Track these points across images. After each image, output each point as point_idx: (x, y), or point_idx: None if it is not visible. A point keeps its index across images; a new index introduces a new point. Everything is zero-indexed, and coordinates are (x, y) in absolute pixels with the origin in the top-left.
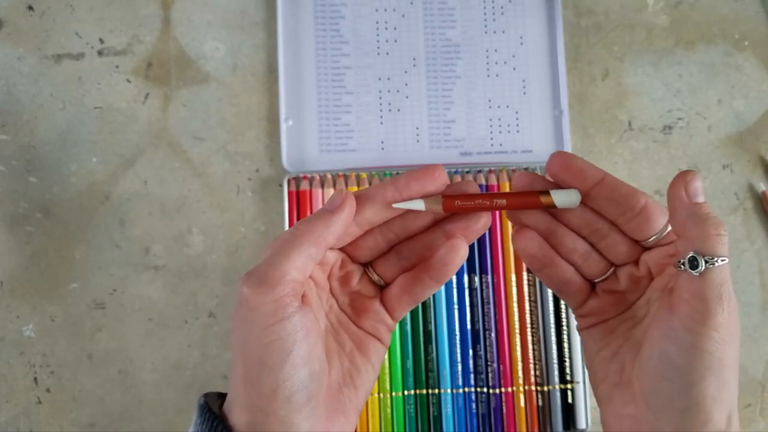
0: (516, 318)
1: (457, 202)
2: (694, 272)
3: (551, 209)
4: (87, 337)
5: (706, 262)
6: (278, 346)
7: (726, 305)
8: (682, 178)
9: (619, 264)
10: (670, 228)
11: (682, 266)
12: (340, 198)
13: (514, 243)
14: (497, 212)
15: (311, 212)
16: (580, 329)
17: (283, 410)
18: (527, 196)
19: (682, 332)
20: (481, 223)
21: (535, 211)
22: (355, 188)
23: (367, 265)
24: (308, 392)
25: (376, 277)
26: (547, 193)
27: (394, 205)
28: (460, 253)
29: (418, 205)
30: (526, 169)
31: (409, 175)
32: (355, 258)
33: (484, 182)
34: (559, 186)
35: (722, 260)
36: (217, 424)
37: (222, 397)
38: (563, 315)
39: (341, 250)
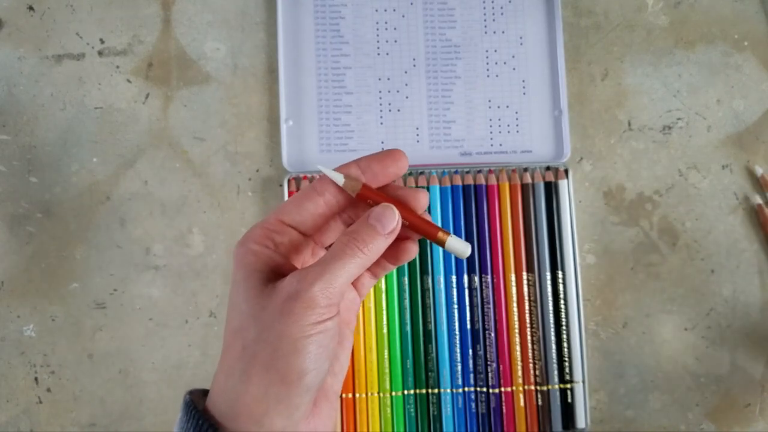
0: (516, 318)
1: (370, 200)
2: None
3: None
4: (87, 336)
5: None
6: (318, 339)
7: None
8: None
9: None
10: None
11: None
12: (395, 221)
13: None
14: (498, 214)
15: None
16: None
17: (298, 397)
18: (431, 227)
19: None
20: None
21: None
22: None
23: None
24: (321, 382)
25: None
26: (446, 233)
27: (319, 167)
28: (410, 255)
29: (338, 178)
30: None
31: (371, 156)
32: (322, 244)
33: (484, 182)
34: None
35: None
36: (203, 422)
37: (207, 394)
38: (563, 315)
39: (310, 237)
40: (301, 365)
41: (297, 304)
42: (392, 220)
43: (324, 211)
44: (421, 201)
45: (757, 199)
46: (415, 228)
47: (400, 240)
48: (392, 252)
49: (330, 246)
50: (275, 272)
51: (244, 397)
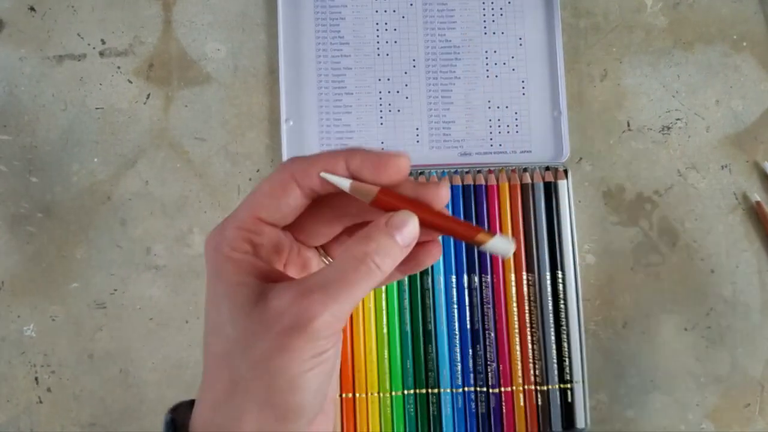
0: (515, 317)
1: (391, 200)
2: None
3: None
4: (88, 336)
5: None
6: (320, 370)
7: None
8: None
9: None
10: None
11: None
12: (416, 233)
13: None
14: (497, 214)
15: None
16: None
17: (295, 428)
18: (465, 227)
19: None
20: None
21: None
22: None
23: (319, 248)
24: (319, 410)
25: (329, 261)
26: (487, 233)
27: (322, 174)
28: (435, 257)
29: (344, 185)
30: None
31: (365, 157)
32: (309, 243)
33: (483, 182)
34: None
35: None
36: None
37: (192, 405)
38: (563, 315)
39: (296, 238)
40: (300, 402)
41: (296, 339)
42: (414, 232)
43: (306, 203)
44: (442, 198)
45: (756, 197)
46: (451, 232)
47: (420, 244)
48: (411, 258)
49: (320, 246)
50: (260, 281)
51: (239, 424)
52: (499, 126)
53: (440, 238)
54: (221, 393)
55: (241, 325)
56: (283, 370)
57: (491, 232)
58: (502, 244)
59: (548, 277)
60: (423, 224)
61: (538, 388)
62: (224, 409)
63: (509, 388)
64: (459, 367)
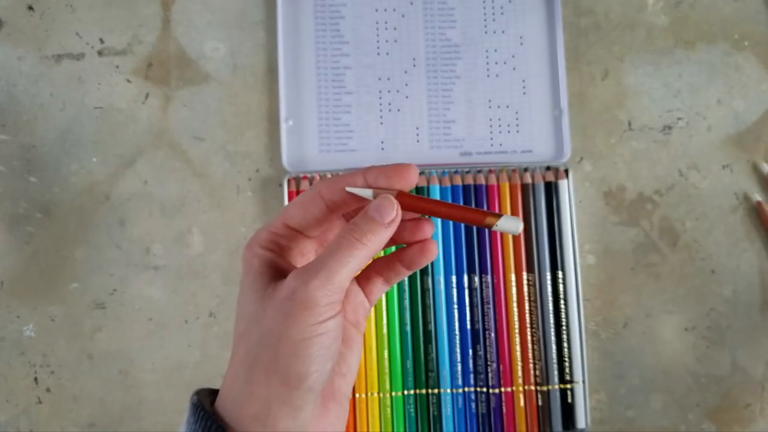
0: (516, 318)
1: (408, 201)
2: None
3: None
4: (87, 337)
5: None
6: (320, 341)
7: None
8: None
9: None
10: None
11: None
12: (393, 211)
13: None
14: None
15: None
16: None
17: (300, 399)
18: (474, 213)
19: None
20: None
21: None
22: None
23: None
24: (324, 384)
25: None
26: (494, 215)
27: (347, 189)
28: (429, 256)
29: (367, 193)
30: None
31: (380, 170)
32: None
33: (484, 182)
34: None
35: None
36: (211, 423)
37: (214, 394)
38: (563, 315)
39: (320, 243)
40: (302, 368)
41: (294, 304)
42: (391, 209)
43: (329, 215)
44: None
45: (757, 197)
46: (462, 219)
47: (417, 243)
48: (410, 255)
49: None
50: (280, 275)
51: (248, 399)
52: (500, 125)
53: (440, 240)
54: (239, 363)
55: (256, 304)
56: (285, 336)
57: (497, 213)
58: (510, 223)
59: (549, 277)
60: (437, 215)
61: (539, 388)
62: (240, 375)
63: (509, 389)
64: (459, 368)
